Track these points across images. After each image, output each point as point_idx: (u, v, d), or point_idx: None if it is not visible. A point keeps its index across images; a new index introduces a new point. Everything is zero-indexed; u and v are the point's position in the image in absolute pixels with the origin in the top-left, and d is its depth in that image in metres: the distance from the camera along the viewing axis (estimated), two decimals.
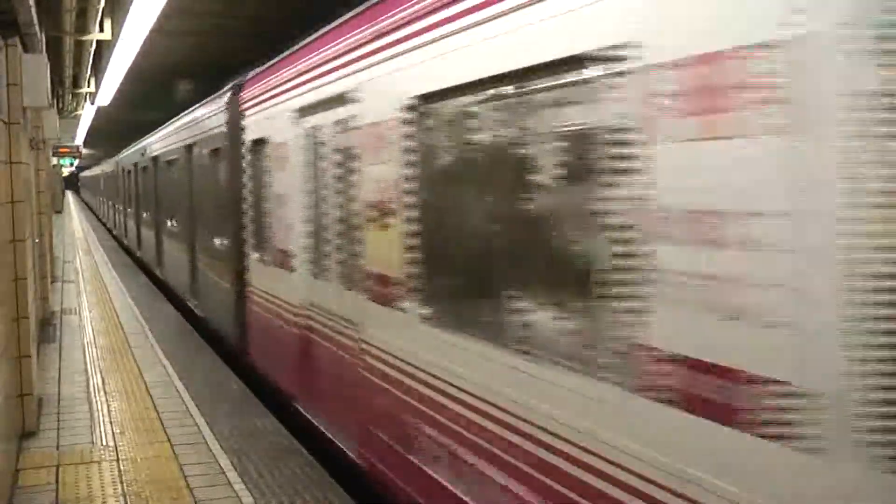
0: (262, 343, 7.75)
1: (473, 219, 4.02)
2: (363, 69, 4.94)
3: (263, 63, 7.70)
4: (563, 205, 3.28)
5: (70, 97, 17.81)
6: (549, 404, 3.18)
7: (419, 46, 4.17)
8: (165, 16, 9.26)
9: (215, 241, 9.81)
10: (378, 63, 4.72)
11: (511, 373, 3.43)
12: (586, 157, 2.98)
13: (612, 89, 2.78)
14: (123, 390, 7.79)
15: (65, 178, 50.89)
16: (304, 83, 6.18)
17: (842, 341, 2.01)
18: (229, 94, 8.76)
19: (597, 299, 2.93)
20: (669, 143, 2.53)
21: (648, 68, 2.60)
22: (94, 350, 9.66)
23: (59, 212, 37.55)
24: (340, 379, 5.52)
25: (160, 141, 15.11)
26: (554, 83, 3.20)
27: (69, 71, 13.25)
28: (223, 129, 8.93)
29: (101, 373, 8.50)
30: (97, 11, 9.10)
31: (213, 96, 9.96)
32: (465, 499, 3.84)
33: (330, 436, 5.80)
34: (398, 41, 4.44)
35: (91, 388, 7.87)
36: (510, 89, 3.50)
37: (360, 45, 4.99)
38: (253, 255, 7.96)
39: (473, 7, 3.64)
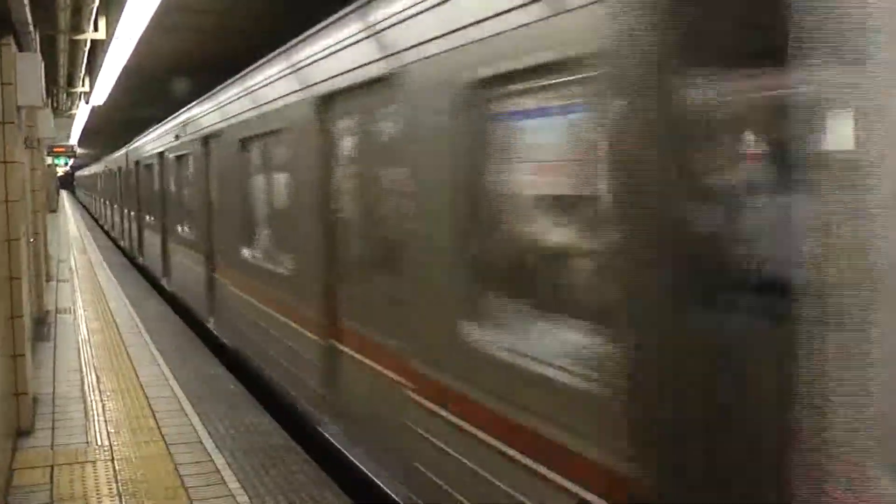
0: None
1: None
2: None
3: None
4: None
5: (65, 96, 17.75)
6: None
7: None
8: (164, 12, 9.22)
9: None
10: None
11: None
12: None
13: None
14: (118, 389, 7.78)
15: (59, 177, 50.74)
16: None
17: None
18: None
19: None
20: None
21: None
22: (89, 349, 9.65)
23: (53, 211, 37.45)
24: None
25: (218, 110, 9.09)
26: None
27: (64, 70, 13.20)
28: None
29: (95, 371, 8.50)
30: (91, 10, 9.06)
31: None
32: None
33: None
34: None
35: (86, 387, 7.87)
36: None
37: None
38: None
39: None
